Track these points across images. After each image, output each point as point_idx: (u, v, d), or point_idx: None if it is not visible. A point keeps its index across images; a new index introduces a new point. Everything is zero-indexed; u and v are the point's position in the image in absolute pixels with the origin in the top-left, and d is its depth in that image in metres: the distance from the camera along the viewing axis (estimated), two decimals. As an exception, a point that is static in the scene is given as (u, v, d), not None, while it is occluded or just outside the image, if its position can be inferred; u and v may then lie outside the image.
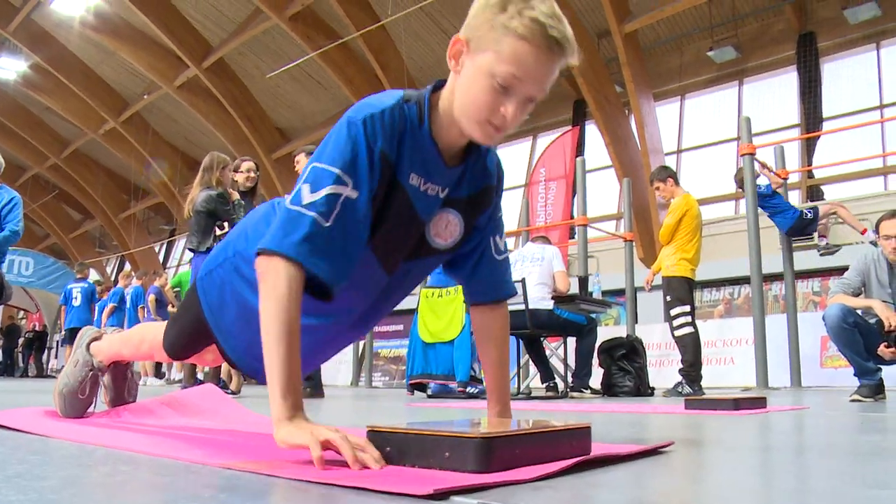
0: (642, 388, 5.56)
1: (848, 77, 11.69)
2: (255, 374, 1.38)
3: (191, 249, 4.89)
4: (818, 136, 10.83)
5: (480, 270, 1.40)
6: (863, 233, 6.90)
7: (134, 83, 18.76)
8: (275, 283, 1.08)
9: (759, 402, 2.95)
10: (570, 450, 1.06)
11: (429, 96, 1.21)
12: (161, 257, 24.56)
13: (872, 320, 3.96)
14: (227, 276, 1.36)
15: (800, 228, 6.98)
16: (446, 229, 1.30)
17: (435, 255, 1.33)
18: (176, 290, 10.08)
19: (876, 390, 3.94)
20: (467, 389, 5.68)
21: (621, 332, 7.03)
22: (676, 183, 5.63)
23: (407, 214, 1.22)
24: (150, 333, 1.68)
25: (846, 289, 4.13)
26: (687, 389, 5.13)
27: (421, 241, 1.29)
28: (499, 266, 1.42)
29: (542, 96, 1.17)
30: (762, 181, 7.01)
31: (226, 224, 4.79)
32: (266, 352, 1.08)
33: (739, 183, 7.15)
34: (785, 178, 7.36)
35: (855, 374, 4.02)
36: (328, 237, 1.10)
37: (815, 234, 7.37)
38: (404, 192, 1.20)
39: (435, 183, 1.24)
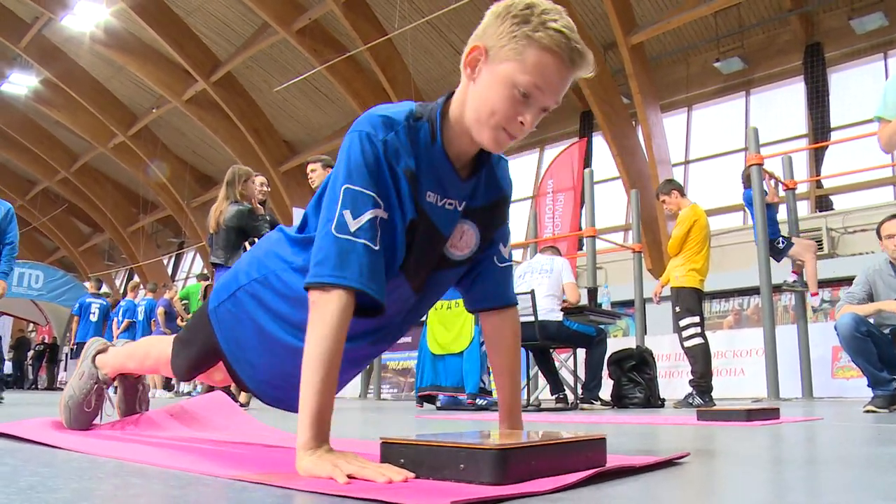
0: (653, 400, 5.53)
1: (856, 87, 11.65)
2: (275, 402, 1.39)
3: (216, 264, 4.91)
4: (826, 147, 10.79)
5: (482, 278, 1.40)
6: (813, 295, 6.74)
7: (143, 97, 18.92)
8: (327, 314, 1.09)
9: (772, 414, 2.93)
10: (585, 461, 1.05)
11: (440, 110, 1.21)
12: (169, 270, 24.66)
13: (886, 330, 3.93)
14: (244, 305, 1.34)
15: (772, 253, 6.67)
16: (462, 240, 1.31)
17: (452, 268, 1.33)
18: (185, 302, 10.13)
19: (890, 401, 3.90)
20: (477, 401, 5.66)
21: (630, 343, 6.99)
22: (682, 194, 5.63)
23: (430, 233, 1.23)
24: (154, 348, 1.68)
25: (852, 300, 4.10)
26: (698, 401, 5.11)
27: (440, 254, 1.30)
28: (500, 273, 1.41)
29: (555, 107, 1.19)
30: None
31: (256, 240, 4.80)
32: (303, 377, 1.08)
33: (746, 180, 7.03)
34: (793, 189, 7.32)
35: (868, 385, 3.98)
36: (378, 260, 1.13)
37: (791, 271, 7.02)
38: (424, 213, 1.20)
39: (451, 197, 1.24)
